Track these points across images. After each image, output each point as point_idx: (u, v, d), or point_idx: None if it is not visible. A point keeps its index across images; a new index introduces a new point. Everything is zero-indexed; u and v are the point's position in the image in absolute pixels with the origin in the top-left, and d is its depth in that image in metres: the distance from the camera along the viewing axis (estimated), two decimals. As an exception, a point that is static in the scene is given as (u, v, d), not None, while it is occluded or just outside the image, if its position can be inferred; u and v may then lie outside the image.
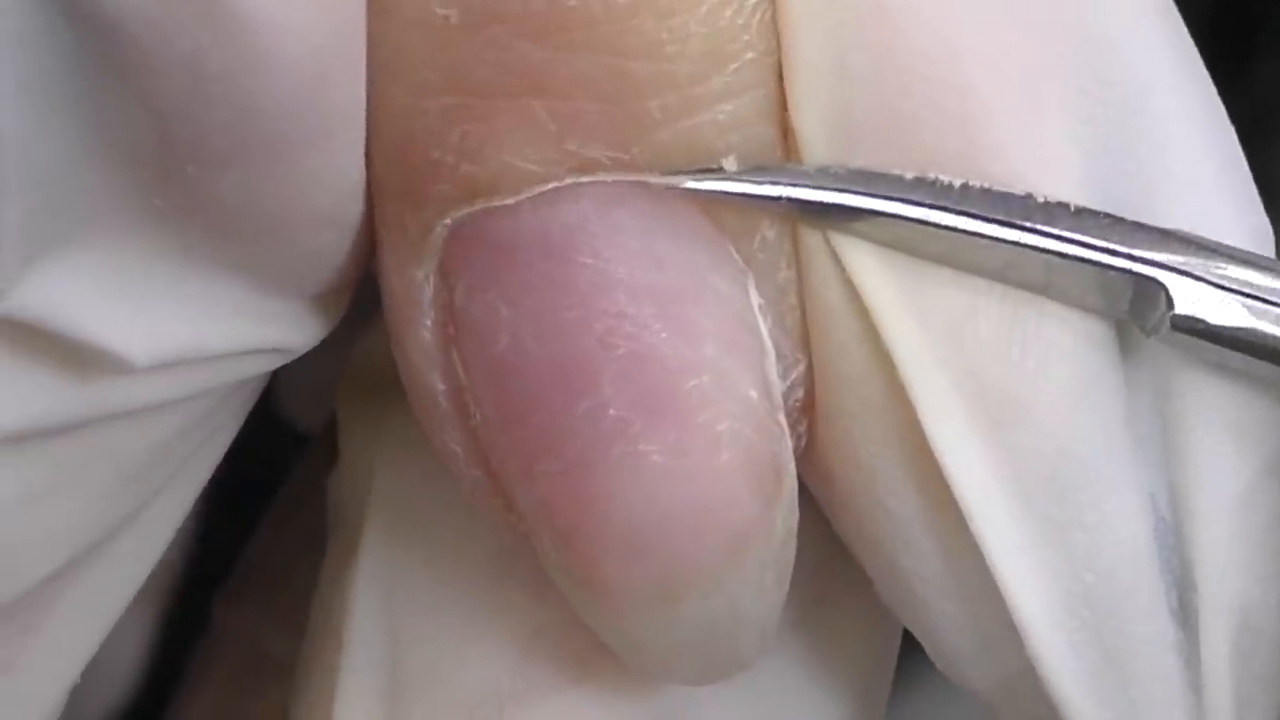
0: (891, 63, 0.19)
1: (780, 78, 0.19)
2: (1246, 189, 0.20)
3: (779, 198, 0.19)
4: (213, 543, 0.31)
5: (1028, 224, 0.19)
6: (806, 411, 0.21)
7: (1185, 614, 0.21)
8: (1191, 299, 0.18)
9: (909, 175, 0.19)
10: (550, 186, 0.19)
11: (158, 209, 0.18)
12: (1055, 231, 0.19)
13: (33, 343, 0.18)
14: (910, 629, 0.22)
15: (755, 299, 0.20)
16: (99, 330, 0.18)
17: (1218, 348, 0.19)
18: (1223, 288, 0.18)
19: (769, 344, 0.20)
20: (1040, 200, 0.19)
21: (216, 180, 0.18)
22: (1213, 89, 0.20)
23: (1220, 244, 0.18)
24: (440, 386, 0.20)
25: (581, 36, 0.18)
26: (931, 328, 0.20)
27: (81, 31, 0.17)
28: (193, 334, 0.19)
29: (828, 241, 0.20)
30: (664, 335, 0.19)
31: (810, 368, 0.20)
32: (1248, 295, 0.18)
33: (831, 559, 0.22)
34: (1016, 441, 0.20)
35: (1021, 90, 0.19)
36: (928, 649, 0.22)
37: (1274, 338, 0.18)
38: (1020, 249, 0.19)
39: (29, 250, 0.17)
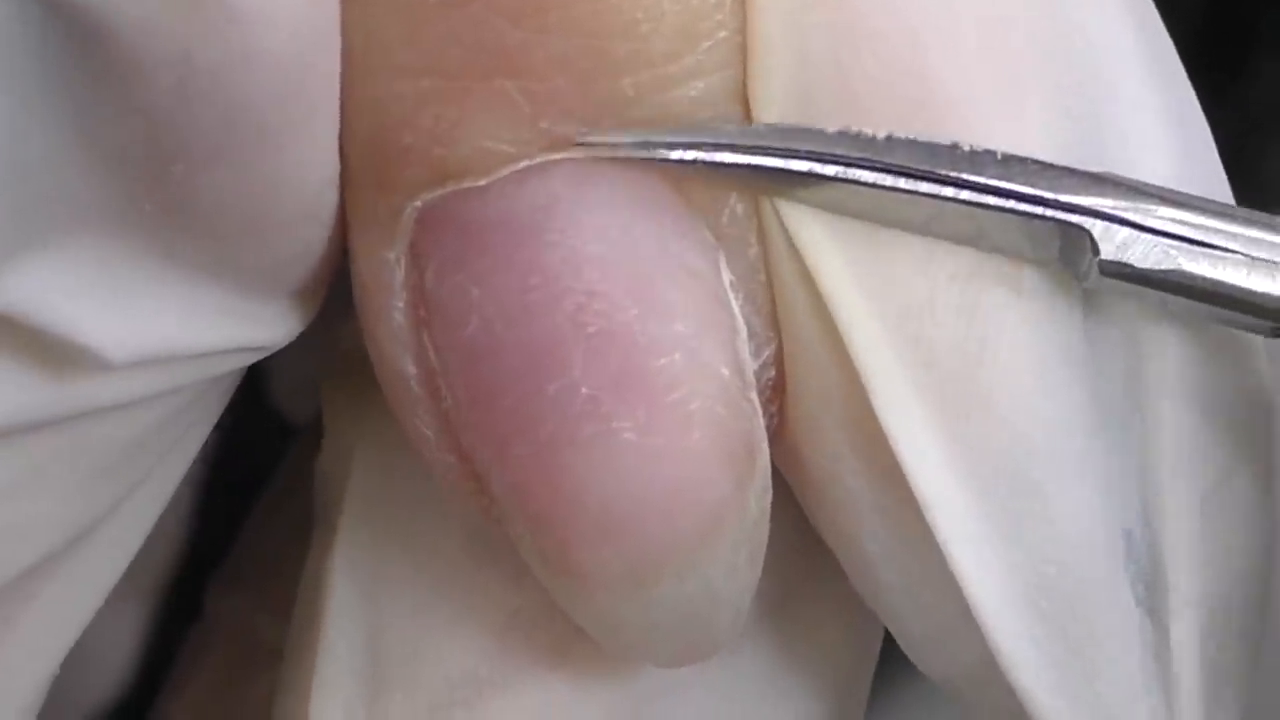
0: (850, 45, 0.19)
1: (744, 55, 0.19)
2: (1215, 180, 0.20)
3: (693, 161, 0.19)
4: (205, 534, 0.31)
5: (951, 174, 0.18)
6: (779, 391, 0.20)
7: (1153, 606, 0.20)
8: (1117, 244, 0.18)
9: (831, 129, 0.19)
10: (522, 165, 0.19)
11: (140, 208, 0.18)
12: (978, 180, 0.18)
13: (9, 339, 0.18)
14: (879, 616, 0.22)
15: (727, 275, 0.20)
16: (78, 327, 0.18)
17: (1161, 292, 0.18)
18: (1150, 230, 0.18)
19: (741, 321, 0.20)
20: (966, 149, 0.18)
21: (203, 178, 0.18)
22: (1182, 78, 0.20)
23: (1151, 185, 0.18)
24: (412, 370, 0.20)
25: (557, 17, 0.18)
26: (887, 317, 0.19)
27: (66, 32, 0.17)
28: (171, 333, 0.19)
29: (779, 217, 0.20)
30: (634, 313, 0.19)
31: (781, 346, 0.20)
32: (1177, 238, 0.18)
33: (808, 545, 0.22)
34: (974, 433, 0.19)
35: (983, 75, 0.19)
36: (894, 635, 0.22)
37: (1203, 279, 0.17)
38: (942, 202, 0.18)
39: (8, 246, 0.17)
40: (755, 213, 0.20)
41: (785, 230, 0.20)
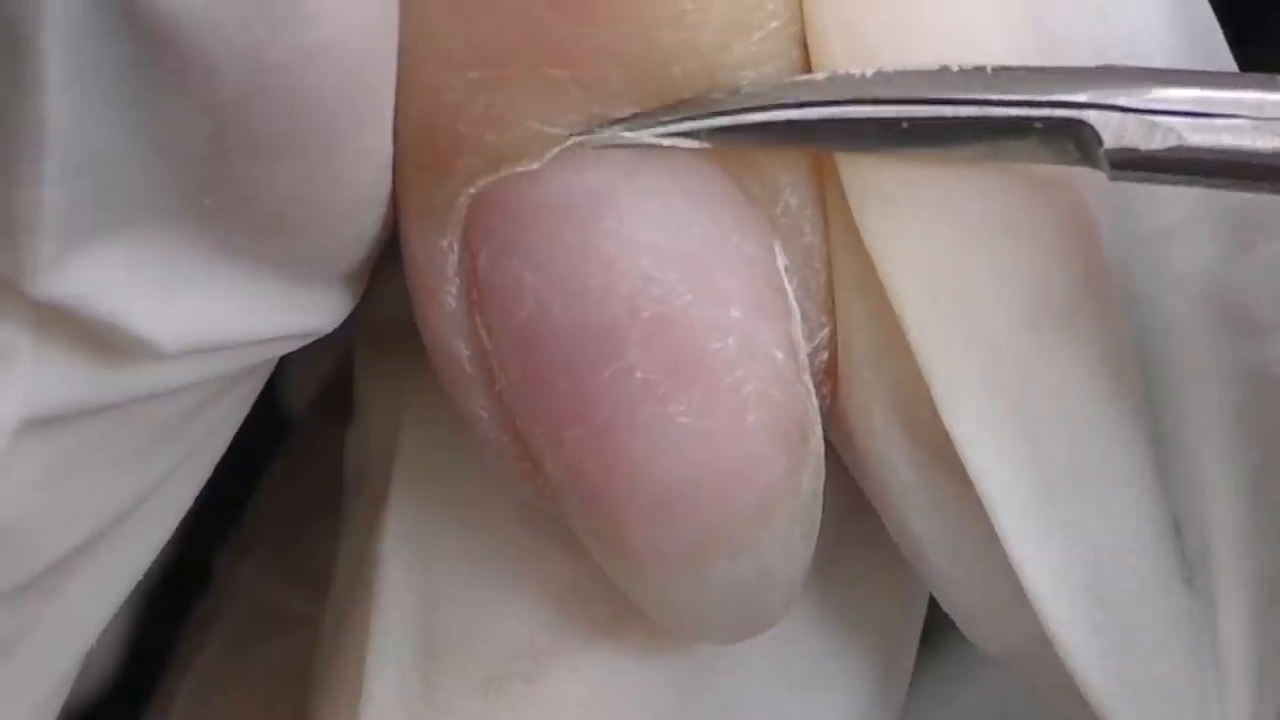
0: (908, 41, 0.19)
1: (804, 46, 0.19)
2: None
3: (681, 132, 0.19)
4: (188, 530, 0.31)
5: (943, 95, 0.18)
6: (831, 374, 0.21)
7: (1202, 587, 0.20)
8: (1118, 131, 0.18)
9: (820, 77, 0.19)
10: (571, 143, 0.19)
11: (204, 207, 0.18)
12: (970, 97, 0.18)
13: (65, 328, 0.18)
14: (929, 588, 0.22)
15: (782, 261, 0.20)
16: (132, 317, 0.18)
17: (1180, 176, 0.18)
18: (1147, 111, 0.17)
19: (795, 305, 0.20)
20: (955, 69, 0.18)
21: (266, 171, 0.18)
22: None
23: (1145, 69, 0.18)
24: (465, 352, 0.20)
25: (605, 8, 0.18)
26: (957, 315, 0.19)
27: (139, 32, 0.17)
28: (226, 322, 0.19)
29: (848, 208, 0.20)
30: (690, 298, 0.19)
31: (835, 331, 0.21)
32: (1176, 113, 0.17)
33: (855, 510, 0.22)
34: (1036, 430, 0.20)
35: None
36: (944, 608, 0.22)
37: (1209, 150, 0.17)
38: (938, 123, 0.18)
39: (69, 238, 0.18)
40: (810, 203, 0.20)
41: (846, 216, 0.20)
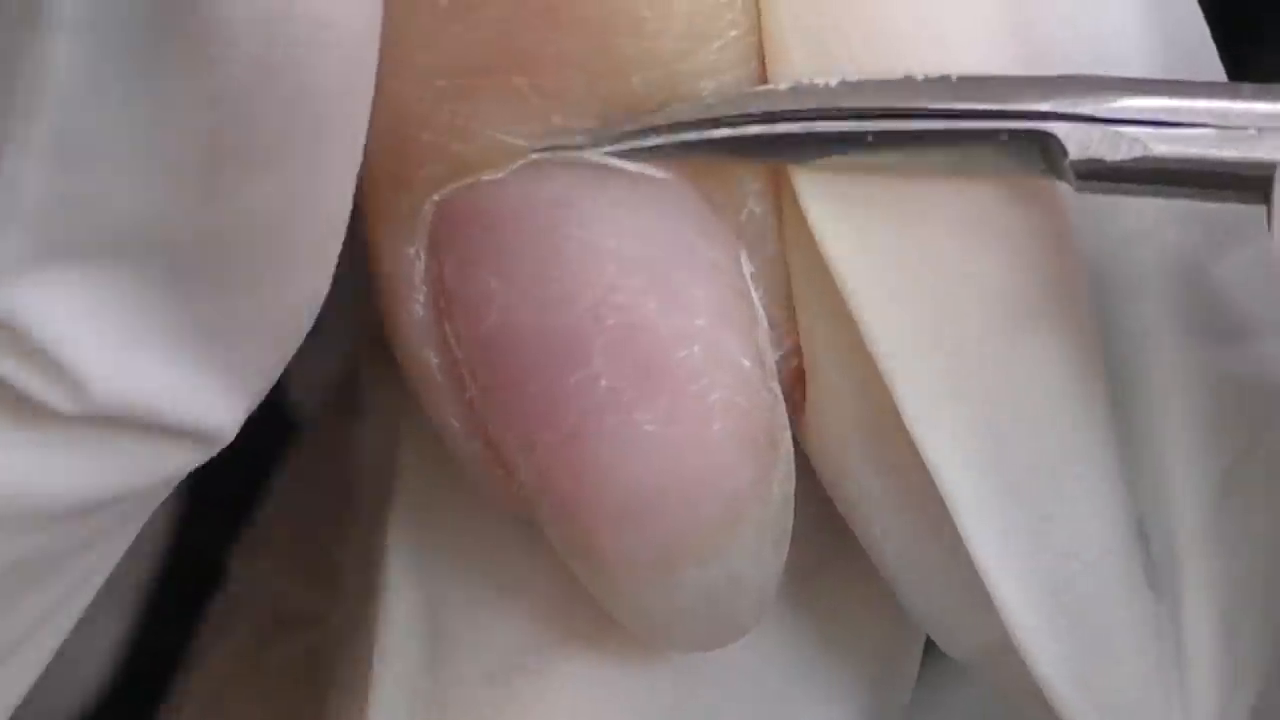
0: (863, 41, 0.19)
1: (760, 57, 0.19)
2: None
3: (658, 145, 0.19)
4: (194, 535, 0.31)
5: (907, 106, 0.18)
6: (800, 380, 0.21)
7: (1167, 591, 0.20)
8: (1083, 142, 0.17)
9: (783, 87, 0.19)
10: (533, 158, 0.19)
11: (188, 234, 0.18)
12: (935, 107, 0.18)
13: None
14: (895, 594, 0.22)
15: (748, 268, 0.20)
16: (70, 352, 0.18)
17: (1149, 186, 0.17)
18: (1112, 121, 0.17)
19: (761, 313, 0.20)
20: (920, 78, 0.18)
21: (251, 185, 0.17)
22: None
23: (1110, 77, 0.17)
24: (435, 360, 0.20)
25: (567, 15, 0.18)
26: (919, 320, 0.19)
27: (157, 23, 0.17)
28: (151, 391, 0.18)
29: (804, 214, 0.19)
30: (654, 306, 0.19)
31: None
32: (1140, 123, 0.17)
33: (833, 520, 0.22)
34: (1001, 433, 0.19)
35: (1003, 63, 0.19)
36: (911, 615, 0.22)
37: (1174, 159, 0.17)
38: (905, 137, 0.18)
39: (40, 244, 0.17)
40: (773, 211, 0.20)
41: (805, 223, 0.19)
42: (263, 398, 0.20)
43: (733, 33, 0.19)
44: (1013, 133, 0.18)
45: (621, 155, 0.19)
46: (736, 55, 0.19)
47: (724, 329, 0.19)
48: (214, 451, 0.19)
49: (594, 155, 0.19)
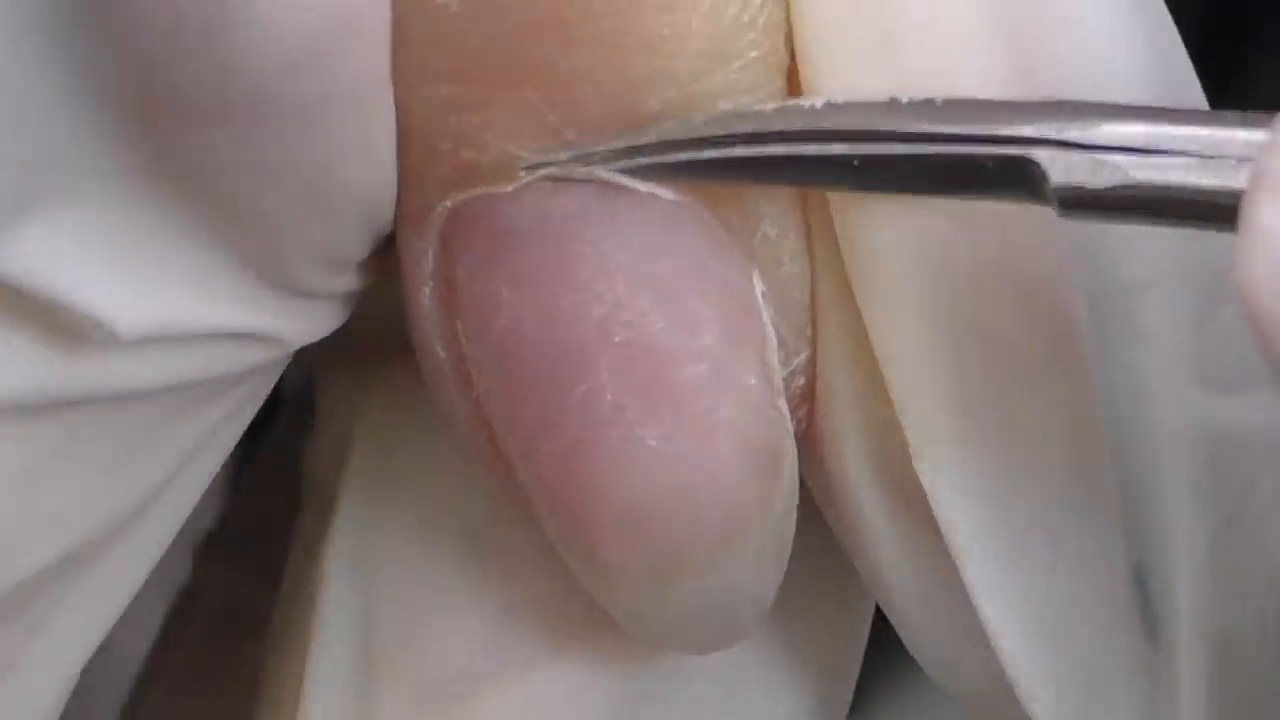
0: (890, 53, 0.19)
1: (786, 76, 0.19)
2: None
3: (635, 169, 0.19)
4: None
5: (893, 129, 0.18)
6: (806, 398, 0.21)
7: (1162, 640, 0.20)
8: (1065, 168, 0.17)
9: (770, 108, 0.19)
10: (542, 174, 0.19)
11: (145, 169, 0.18)
12: (919, 130, 0.18)
13: (16, 311, 0.18)
14: (895, 627, 0.22)
15: (759, 287, 0.20)
16: (84, 297, 0.18)
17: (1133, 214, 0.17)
18: (1094, 147, 0.17)
19: (770, 331, 0.20)
20: (905, 101, 0.18)
21: (199, 138, 0.18)
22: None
23: (1094, 103, 0.17)
24: (443, 354, 0.20)
25: (581, 31, 0.18)
26: (934, 371, 0.20)
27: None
28: (182, 310, 0.19)
29: (833, 245, 0.20)
30: (661, 324, 0.19)
31: (813, 358, 0.21)
32: (1122, 150, 0.17)
33: (800, 533, 0.22)
34: (1005, 485, 0.20)
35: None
36: (908, 648, 0.22)
37: (1153, 186, 0.17)
38: (889, 160, 0.18)
39: (13, 206, 0.17)
40: (791, 233, 0.20)
41: (831, 253, 0.20)
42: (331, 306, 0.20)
43: (753, 53, 0.19)
44: (996, 159, 0.18)
45: (630, 174, 0.19)
46: (757, 76, 0.19)
47: (732, 347, 0.19)
48: (292, 347, 0.20)
49: (604, 173, 0.19)
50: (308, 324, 0.20)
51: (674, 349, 0.19)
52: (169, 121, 0.18)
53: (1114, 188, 0.17)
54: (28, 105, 0.17)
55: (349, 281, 0.20)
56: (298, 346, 0.20)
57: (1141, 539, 0.20)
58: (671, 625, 0.20)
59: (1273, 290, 0.15)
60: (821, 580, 0.23)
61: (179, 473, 0.20)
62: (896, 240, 0.19)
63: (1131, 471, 0.20)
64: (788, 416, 0.20)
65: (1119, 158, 0.17)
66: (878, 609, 0.23)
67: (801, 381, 0.21)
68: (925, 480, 0.20)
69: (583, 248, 0.19)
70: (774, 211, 0.20)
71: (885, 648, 0.24)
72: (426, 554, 0.22)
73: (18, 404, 0.18)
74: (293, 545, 0.25)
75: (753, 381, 0.20)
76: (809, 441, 0.21)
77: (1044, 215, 0.18)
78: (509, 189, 0.19)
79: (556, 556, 0.20)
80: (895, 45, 0.19)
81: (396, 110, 0.19)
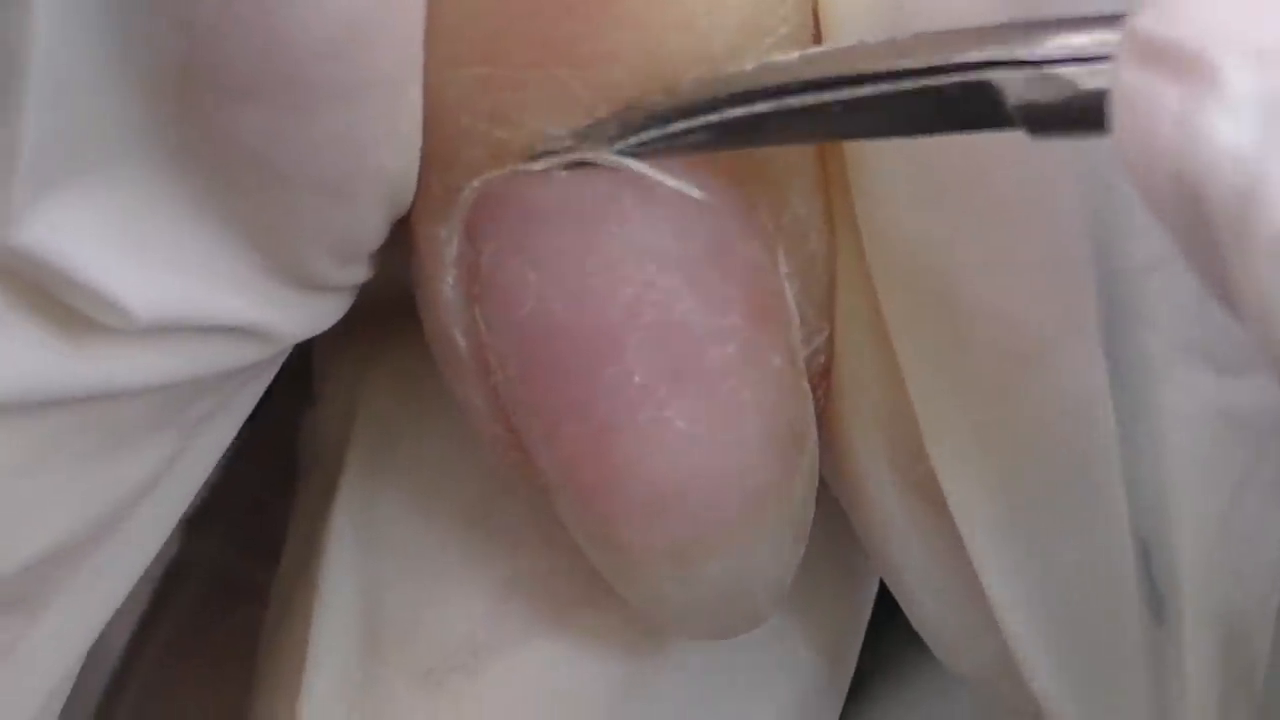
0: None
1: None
2: None
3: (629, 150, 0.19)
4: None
5: (859, 72, 0.18)
6: (825, 375, 0.21)
7: (1168, 620, 0.20)
8: (1020, 87, 0.17)
9: (750, 67, 0.19)
10: (576, 156, 0.19)
11: (172, 148, 0.18)
12: (883, 69, 0.18)
13: (28, 299, 0.18)
14: (900, 604, 0.22)
15: (784, 267, 0.20)
16: (101, 276, 0.18)
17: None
18: (1043, 62, 0.16)
19: (795, 311, 0.20)
20: (871, 44, 0.18)
21: (234, 116, 0.18)
22: None
23: (1046, 20, 0.17)
24: (462, 342, 0.20)
25: (615, 10, 0.18)
26: (942, 350, 0.20)
27: None
28: (193, 297, 0.19)
29: (854, 225, 0.20)
30: (691, 305, 0.19)
31: (832, 336, 0.21)
32: (1072, 60, 0.16)
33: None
34: (1012, 464, 0.20)
35: None
36: (914, 625, 0.22)
37: (1104, 93, 0.16)
38: (858, 103, 0.18)
39: (40, 181, 0.17)
40: (818, 211, 0.20)
41: (852, 234, 0.20)
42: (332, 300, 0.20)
43: (784, 29, 0.19)
44: (957, 86, 0.17)
45: (638, 156, 0.19)
46: (787, 51, 0.19)
47: (758, 328, 0.19)
48: (289, 341, 0.20)
49: (591, 158, 0.19)
50: (306, 319, 0.20)
51: (702, 330, 0.19)
52: (207, 96, 0.18)
53: (1066, 99, 0.16)
54: (75, 72, 0.17)
55: (353, 274, 0.20)
56: (294, 342, 0.20)
57: (1147, 520, 0.20)
58: (690, 609, 0.20)
59: (1140, 144, 0.14)
60: (823, 563, 0.22)
61: (177, 460, 0.20)
62: (910, 222, 0.19)
63: (1136, 451, 0.19)
64: (810, 396, 0.20)
65: (1069, 69, 0.16)
66: (876, 596, 0.23)
67: (821, 360, 0.20)
68: (935, 460, 0.19)
69: (612, 227, 0.19)
70: (803, 188, 0.20)
71: (885, 632, 0.24)
72: (429, 526, 0.23)
73: (24, 394, 0.18)
74: (292, 518, 0.25)
75: (779, 361, 0.19)
76: (823, 419, 0.21)
77: (1052, 200, 0.18)
78: (539, 167, 0.19)
79: (559, 528, 0.20)
80: (910, 10, 0.19)
81: (425, 94, 0.19)
